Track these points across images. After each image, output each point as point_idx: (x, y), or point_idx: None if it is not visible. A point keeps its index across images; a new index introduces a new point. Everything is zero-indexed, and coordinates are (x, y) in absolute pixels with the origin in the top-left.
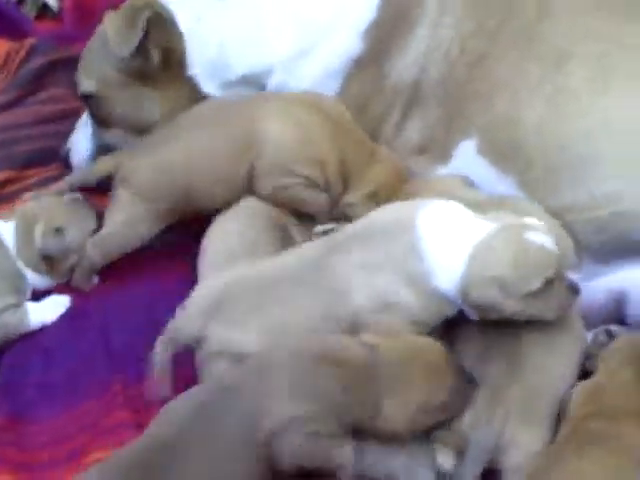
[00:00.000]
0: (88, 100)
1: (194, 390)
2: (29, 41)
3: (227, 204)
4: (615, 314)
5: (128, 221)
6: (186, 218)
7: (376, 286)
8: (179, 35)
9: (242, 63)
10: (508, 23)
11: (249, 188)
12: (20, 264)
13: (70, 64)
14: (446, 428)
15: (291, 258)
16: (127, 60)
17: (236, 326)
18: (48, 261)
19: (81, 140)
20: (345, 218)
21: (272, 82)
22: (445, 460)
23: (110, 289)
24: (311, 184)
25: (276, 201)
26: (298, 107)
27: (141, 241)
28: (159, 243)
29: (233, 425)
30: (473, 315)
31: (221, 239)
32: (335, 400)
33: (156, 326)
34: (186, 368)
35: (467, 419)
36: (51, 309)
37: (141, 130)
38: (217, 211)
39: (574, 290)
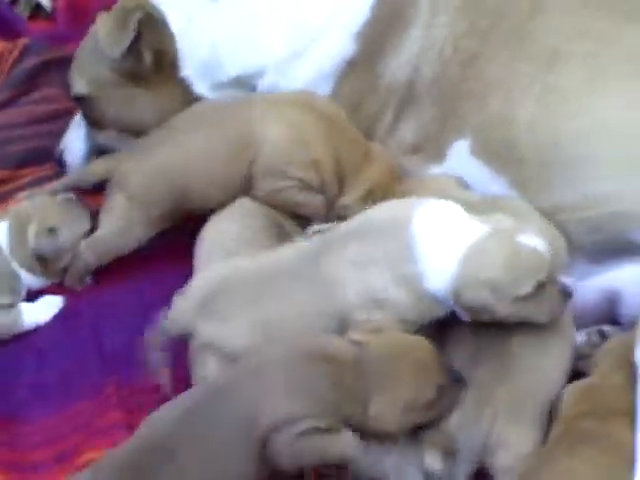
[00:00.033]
0: (81, 101)
1: (185, 394)
2: (22, 41)
3: (222, 205)
4: (608, 314)
5: (123, 224)
6: (181, 220)
7: (368, 282)
8: (171, 36)
9: (234, 64)
10: (500, 23)
11: (246, 189)
12: (14, 264)
13: (63, 64)
14: (434, 428)
15: (287, 252)
16: (119, 61)
17: (225, 320)
18: (42, 261)
19: (75, 141)
20: (340, 219)
21: (264, 83)
22: (433, 461)
23: (103, 289)
24: (306, 186)
25: (273, 203)
26: (292, 108)
27: (136, 244)
28: (153, 243)
29: (225, 426)
30: (465, 316)
31: (216, 239)
32: (326, 397)
33: (149, 326)
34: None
35: (455, 419)
36: (44, 309)
37: (134, 131)
38: (212, 212)
39: (567, 294)
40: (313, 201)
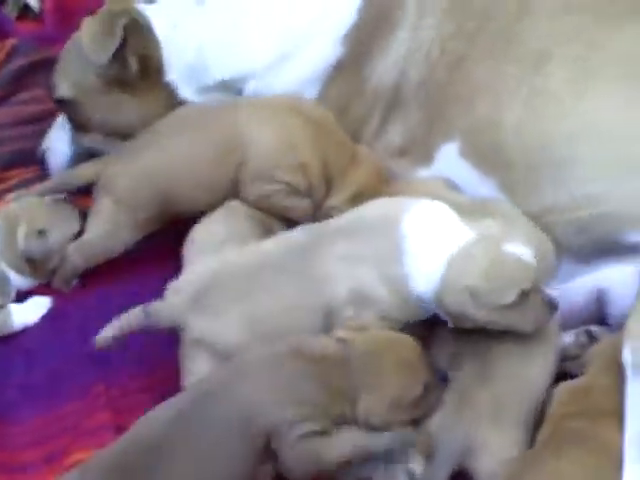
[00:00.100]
0: (64, 104)
1: (178, 395)
2: (10, 42)
3: (210, 208)
4: (596, 314)
5: (110, 228)
6: (169, 223)
7: (355, 278)
8: (156, 41)
9: (220, 68)
10: (487, 25)
11: (234, 192)
12: (3, 265)
13: (51, 65)
14: (417, 431)
15: (276, 246)
16: (104, 67)
17: (217, 315)
18: (31, 262)
19: (58, 142)
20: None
21: (250, 87)
22: (415, 464)
23: (91, 291)
24: (293, 191)
25: (261, 207)
26: (279, 112)
27: (124, 247)
28: (141, 245)
29: (217, 427)
30: (448, 321)
31: (205, 241)
32: (315, 398)
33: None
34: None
35: (437, 421)
36: (33, 310)
37: (119, 134)
38: (200, 215)
39: (552, 305)
40: (300, 205)
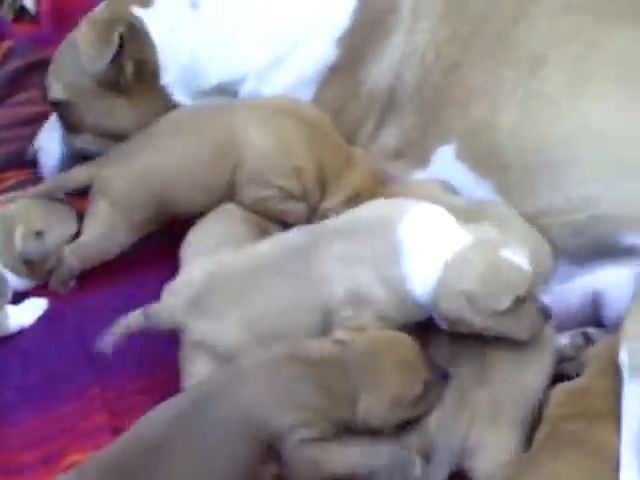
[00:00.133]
0: (58, 106)
1: (177, 396)
2: (6, 43)
3: (206, 209)
4: (592, 316)
5: (106, 230)
6: (166, 225)
7: (352, 279)
8: (152, 46)
9: (216, 72)
10: (483, 29)
11: (230, 195)
12: (0, 266)
13: (47, 67)
14: (415, 432)
15: (272, 246)
16: (101, 73)
17: (217, 317)
18: (28, 264)
19: (49, 142)
20: None
21: (245, 89)
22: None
23: (87, 292)
24: (288, 195)
25: (256, 210)
26: (274, 114)
27: (120, 249)
28: (138, 247)
29: (217, 430)
30: (442, 325)
31: (202, 244)
32: (314, 403)
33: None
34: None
35: (434, 421)
36: (29, 312)
37: (112, 136)
38: (196, 216)
39: (546, 314)
40: (295, 209)
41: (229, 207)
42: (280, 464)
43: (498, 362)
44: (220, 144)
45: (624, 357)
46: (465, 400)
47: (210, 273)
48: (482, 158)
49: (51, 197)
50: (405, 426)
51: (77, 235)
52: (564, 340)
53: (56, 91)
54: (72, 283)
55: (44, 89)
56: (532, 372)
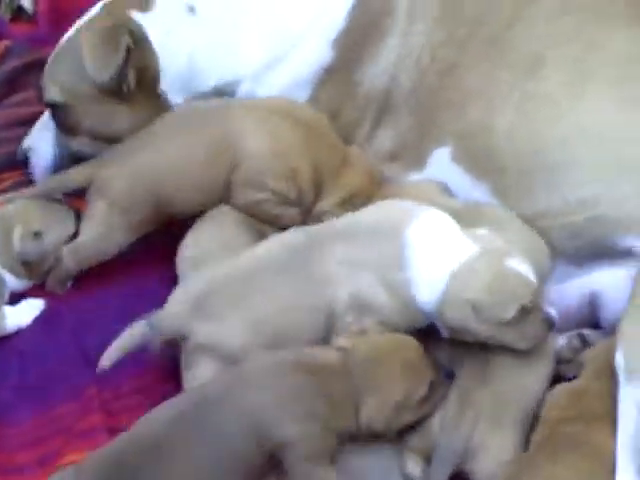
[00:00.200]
0: (54, 107)
1: (177, 399)
2: (4, 43)
3: (204, 209)
4: (589, 317)
5: (104, 230)
6: (163, 225)
7: (356, 284)
8: (152, 52)
9: (213, 74)
10: (479, 31)
11: (226, 196)
12: None
13: (45, 67)
14: (416, 433)
15: (274, 247)
16: (106, 82)
17: (220, 319)
18: (26, 264)
19: (42, 143)
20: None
21: (241, 91)
22: (414, 467)
23: (85, 292)
24: (282, 199)
25: (250, 213)
26: (271, 115)
27: (117, 249)
28: (135, 248)
29: (218, 434)
30: (445, 333)
31: (199, 246)
32: (318, 411)
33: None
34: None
35: (437, 422)
36: (26, 312)
37: (108, 139)
38: (193, 217)
39: (550, 323)
40: (288, 213)
41: (224, 210)
42: (280, 474)
43: (500, 361)
44: (216, 144)
45: (620, 359)
46: (469, 401)
47: (211, 279)
48: (478, 160)
49: (49, 197)
50: (407, 428)
51: (75, 235)
52: (560, 341)
53: (53, 93)
54: (69, 283)
55: (41, 89)
56: (533, 373)
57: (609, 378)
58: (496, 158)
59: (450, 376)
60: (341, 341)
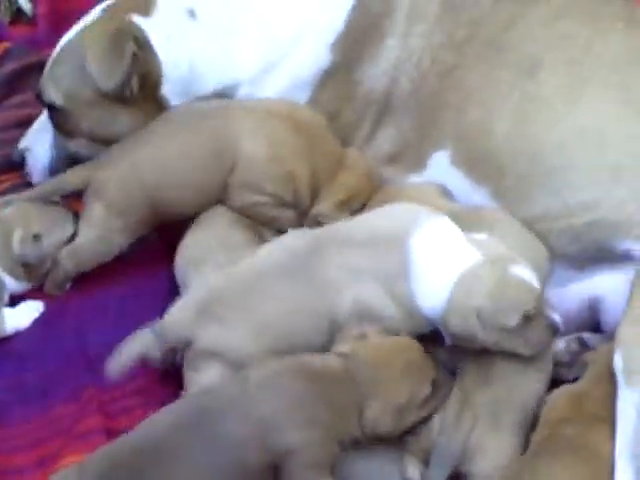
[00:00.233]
0: (52, 109)
1: (180, 403)
2: (3, 45)
3: (201, 209)
4: (589, 321)
5: (102, 233)
6: (161, 226)
7: (360, 293)
8: (155, 57)
9: (213, 78)
10: (479, 32)
11: (222, 197)
12: None
13: (44, 69)
14: (415, 437)
15: (273, 251)
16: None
17: (225, 324)
18: (25, 267)
19: (39, 145)
20: (318, 225)
21: (240, 94)
22: (413, 470)
23: (84, 294)
24: (279, 202)
25: (245, 214)
26: (270, 117)
27: (117, 251)
28: (134, 248)
29: (219, 442)
30: (448, 340)
31: (197, 247)
32: (321, 418)
33: (130, 331)
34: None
35: (436, 423)
36: (26, 314)
37: (107, 142)
38: (191, 217)
39: (554, 329)
40: (284, 216)
41: (220, 210)
42: None
43: (499, 364)
44: (214, 144)
45: (618, 362)
46: (468, 403)
47: (214, 285)
48: (477, 164)
49: (46, 200)
50: (407, 430)
51: (73, 237)
52: (559, 345)
53: (53, 96)
54: (67, 286)
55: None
56: (532, 376)
57: (609, 381)
58: (495, 161)
59: (453, 373)
60: (341, 347)
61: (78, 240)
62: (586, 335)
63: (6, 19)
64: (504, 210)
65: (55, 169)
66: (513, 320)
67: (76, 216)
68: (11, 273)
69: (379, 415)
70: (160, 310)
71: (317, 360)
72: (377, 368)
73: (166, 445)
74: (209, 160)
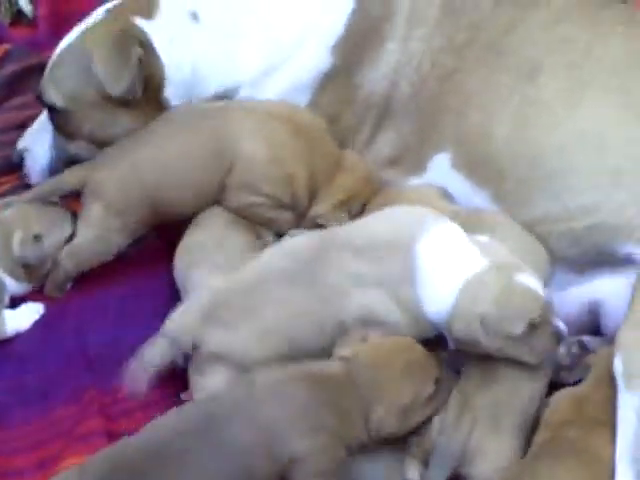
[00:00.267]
0: (53, 111)
1: (187, 408)
2: (3, 47)
3: (198, 211)
4: (589, 325)
5: (100, 233)
6: (160, 226)
7: (366, 298)
8: (158, 60)
9: (215, 81)
10: (478, 36)
11: (219, 198)
12: None
13: (44, 71)
14: (415, 439)
15: (278, 255)
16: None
17: (231, 327)
18: (26, 268)
19: (39, 146)
20: (316, 227)
21: (241, 95)
22: (414, 474)
23: (84, 295)
24: (277, 203)
25: (243, 215)
26: (269, 119)
27: (115, 251)
28: (134, 248)
29: (225, 448)
30: (452, 345)
31: (196, 248)
32: (327, 424)
33: (130, 332)
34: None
35: (437, 424)
36: (26, 316)
37: (107, 144)
38: (190, 217)
39: (559, 337)
40: (282, 217)
41: (217, 210)
42: None
43: (499, 366)
44: (214, 144)
45: (618, 365)
46: (468, 405)
47: (219, 290)
48: (478, 167)
49: (45, 200)
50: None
51: (72, 237)
52: (560, 348)
53: (54, 97)
54: (68, 287)
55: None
56: (532, 378)
57: (610, 384)
58: (495, 165)
59: (457, 371)
60: (342, 351)
61: (76, 240)
62: (586, 338)
63: (6, 20)
64: (505, 213)
65: (54, 170)
66: (518, 328)
67: (74, 216)
68: (12, 274)
69: (385, 417)
70: (160, 310)
71: (320, 367)
72: (377, 369)
73: (170, 449)
74: (209, 160)
